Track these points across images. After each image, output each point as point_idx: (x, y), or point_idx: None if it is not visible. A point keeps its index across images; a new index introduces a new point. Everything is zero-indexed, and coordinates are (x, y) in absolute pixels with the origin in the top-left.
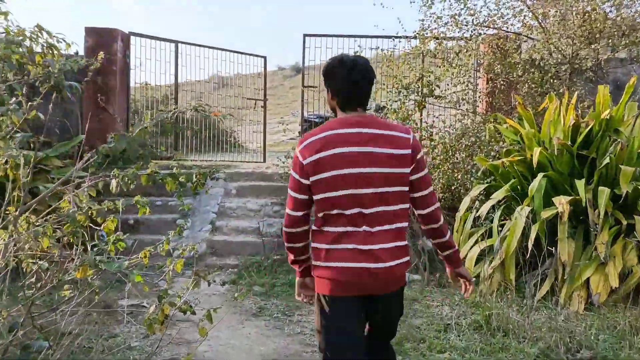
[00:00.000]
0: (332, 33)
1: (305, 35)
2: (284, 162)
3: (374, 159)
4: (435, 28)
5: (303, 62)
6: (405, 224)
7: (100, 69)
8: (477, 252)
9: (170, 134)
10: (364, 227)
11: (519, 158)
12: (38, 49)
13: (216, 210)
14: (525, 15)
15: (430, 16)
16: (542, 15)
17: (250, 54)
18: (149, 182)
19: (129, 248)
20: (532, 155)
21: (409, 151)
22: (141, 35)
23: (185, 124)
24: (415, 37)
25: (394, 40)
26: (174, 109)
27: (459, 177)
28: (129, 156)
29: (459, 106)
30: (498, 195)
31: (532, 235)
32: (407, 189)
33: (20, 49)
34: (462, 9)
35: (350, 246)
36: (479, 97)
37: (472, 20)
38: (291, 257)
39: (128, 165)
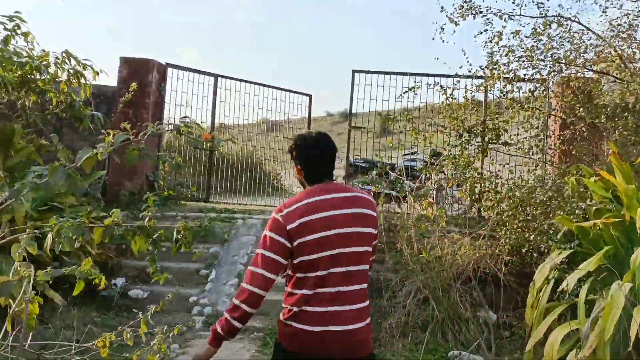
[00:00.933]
0: (383, 70)
1: (354, 72)
2: None
3: (350, 220)
4: (506, 63)
5: (351, 101)
6: (366, 285)
7: (132, 100)
8: (560, 336)
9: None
10: (337, 288)
11: (616, 220)
12: (64, 76)
13: (245, 262)
14: (609, 56)
15: (500, 49)
16: (629, 57)
17: (295, 92)
18: (105, 238)
19: (140, 302)
20: (632, 217)
21: (375, 213)
22: (178, 67)
23: (225, 164)
24: (480, 77)
25: (454, 79)
26: (209, 145)
27: (532, 238)
28: (167, 196)
29: (531, 154)
30: (589, 265)
31: (638, 320)
32: (371, 249)
33: (42, 76)
34: (536, 44)
35: (317, 309)
36: (554, 144)
37: (551, 55)
38: (235, 324)
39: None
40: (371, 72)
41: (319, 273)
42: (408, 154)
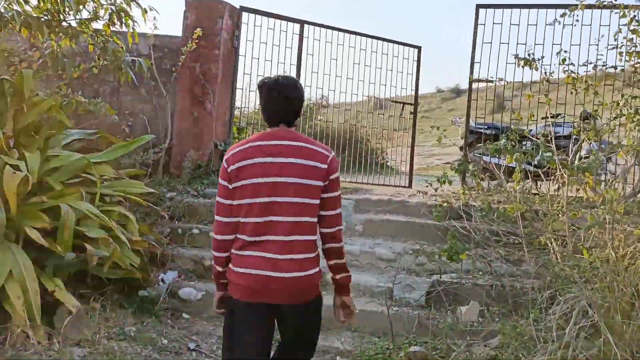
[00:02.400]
0: (517, 3)
1: (478, 7)
2: (436, 190)
3: (288, 170)
4: None
5: (474, 45)
6: (314, 237)
7: (199, 52)
8: None
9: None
10: (272, 236)
11: None
12: (106, 16)
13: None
14: None
15: None
16: None
17: (401, 43)
18: None
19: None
20: None
21: (325, 166)
22: (256, 12)
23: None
24: None
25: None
26: None
27: None
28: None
29: None
30: None
31: None
32: (317, 202)
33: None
34: None
35: (256, 254)
36: None
37: None
38: (217, 268)
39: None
40: (502, 6)
41: (254, 219)
42: (549, 118)
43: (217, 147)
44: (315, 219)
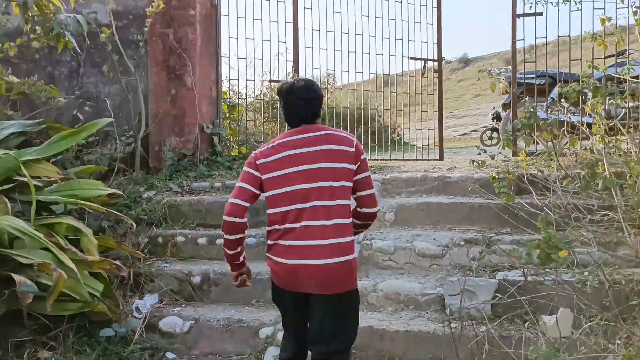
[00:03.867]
0: None
1: None
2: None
3: (319, 156)
4: None
5: None
6: (348, 221)
7: (171, 15)
8: None
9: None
10: (306, 222)
11: None
12: None
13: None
14: None
15: None
16: None
17: None
18: None
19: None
20: None
21: (352, 149)
22: None
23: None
24: None
25: None
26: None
27: None
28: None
29: None
30: None
31: None
32: (350, 184)
33: None
34: None
35: (289, 242)
36: None
37: None
38: (227, 251)
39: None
40: None
41: (286, 208)
42: (616, 56)
43: (203, 131)
44: (349, 202)
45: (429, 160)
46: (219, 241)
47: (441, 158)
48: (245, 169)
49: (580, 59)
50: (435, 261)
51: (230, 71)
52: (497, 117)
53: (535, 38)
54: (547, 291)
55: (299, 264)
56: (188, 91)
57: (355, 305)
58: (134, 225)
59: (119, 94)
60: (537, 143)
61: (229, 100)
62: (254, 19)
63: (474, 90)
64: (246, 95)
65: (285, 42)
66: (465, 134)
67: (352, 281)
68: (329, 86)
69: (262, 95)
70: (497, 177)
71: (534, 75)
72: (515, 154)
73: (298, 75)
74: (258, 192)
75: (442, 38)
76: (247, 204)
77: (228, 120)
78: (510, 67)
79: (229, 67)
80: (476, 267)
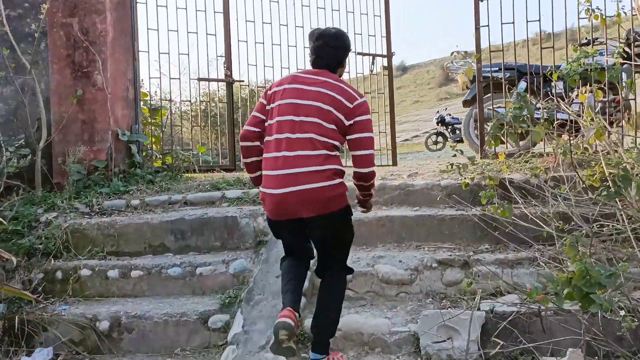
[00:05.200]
0: None
1: None
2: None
3: (314, 96)
4: None
5: None
6: (333, 153)
7: (74, 1)
8: None
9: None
10: (291, 152)
11: None
12: None
13: (304, 289)
14: None
15: None
16: None
17: None
18: None
19: None
20: None
21: (350, 105)
22: None
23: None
24: None
25: None
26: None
27: None
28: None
29: None
30: None
31: None
32: (334, 127)
33: None
34: None
35: (275, 172)
36: None
37: None
38: (249, 175)
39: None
40: None
41: (275, 137)
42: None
43: (119, 139)
44: (334, 142)
45: (382, 166)
46: (135, 273)
47: (395, 164)
48: (260, 99)
49: (553, 47)
50: (404, 288)
51: (150, 68)
52: (441, 121)
53: (502, 24)
54: (550, 324)
55: (288, 192)
56: (98, 91)
57: (341, 221)
58: (13, 260)
59: (13, 97)
60: (506, 142)
61: (150, 102)
62: (177, 8)
63: (413, 97)
64: (171, 96)
65: (215, 35)
66: (407, 139)
67: (340, 200)
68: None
69: (190, 97)
70: (470, 183)
71: (499, 69)
72: (485, 155)
73: (231, 73)
74: (265, 119)
75: (391, 31)
76: (257, 130)
77: (150, 126)
78: (471, 60)
79: (149, 64)
80: (454, 293)
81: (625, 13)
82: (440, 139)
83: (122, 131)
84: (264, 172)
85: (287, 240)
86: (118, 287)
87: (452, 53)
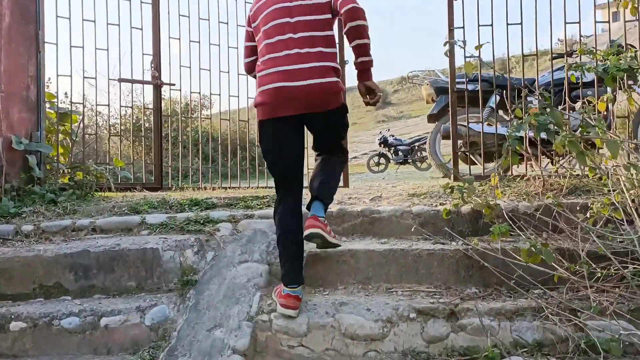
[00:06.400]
0: None
1: None
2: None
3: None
4: None
5: None
6: (330, 50)
7: None
8: None
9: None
10: (284, 52)
11: None
12: None
13: (244, 346)
14: None
15: None
16: None
17: None
18: None
19: None
20: None
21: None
22: None
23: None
24: None
25: None
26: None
27: None
28: (37, 186)
29: None
30: None
31: None
32: (329, 16)
33: None
34: None
35: (271, 70)
36: None
37: None
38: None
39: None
40: None
41: (267, 41)
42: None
43: (12, 147)
44: (329, 33)
45: None
46: (16, 325)
47: (346, 185)
48: (245, 28)
49: (537, 53)
50: (373, 345)
51: (60, 65)
52: (384, 142)
53: (479, 26)
54: None
55: (284, 86)
56: None
57: (345, 117)
58: None
59: None
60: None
61: (58, 105)
62: None
63: (351, 120)
64: (84, 98)
65: (142, 29)
66: (365, 153)
67: (337, 98)
68: (201, 92)
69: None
70: (452, 210)
71: (470, 80)
72: (456, 178)
73: (160, 73)
74: (254, 44)
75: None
76: (255, 57)
77: (58, 134)
78: (437, 72)
79: (58, 59)
80: (436, 352)
81: None
82: (382, 160)
83: (18, 138)
84: (265, 71)
85: (285, 157)
86: None
87: (408, 73)
